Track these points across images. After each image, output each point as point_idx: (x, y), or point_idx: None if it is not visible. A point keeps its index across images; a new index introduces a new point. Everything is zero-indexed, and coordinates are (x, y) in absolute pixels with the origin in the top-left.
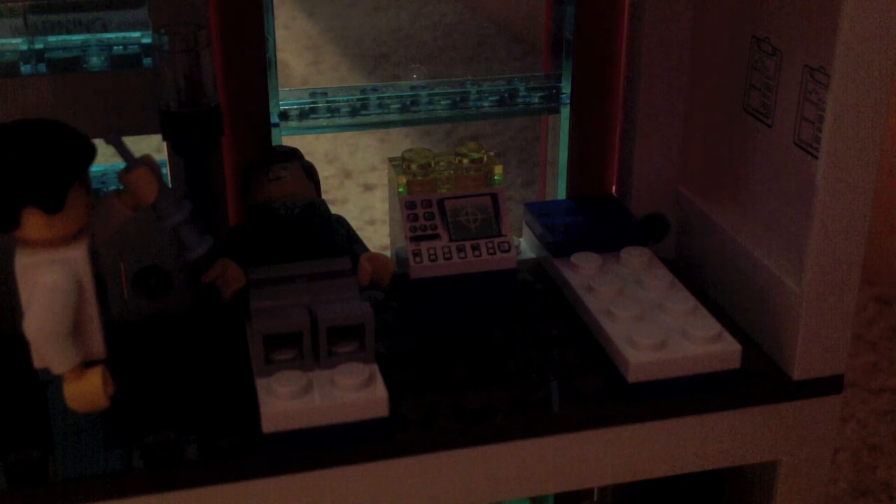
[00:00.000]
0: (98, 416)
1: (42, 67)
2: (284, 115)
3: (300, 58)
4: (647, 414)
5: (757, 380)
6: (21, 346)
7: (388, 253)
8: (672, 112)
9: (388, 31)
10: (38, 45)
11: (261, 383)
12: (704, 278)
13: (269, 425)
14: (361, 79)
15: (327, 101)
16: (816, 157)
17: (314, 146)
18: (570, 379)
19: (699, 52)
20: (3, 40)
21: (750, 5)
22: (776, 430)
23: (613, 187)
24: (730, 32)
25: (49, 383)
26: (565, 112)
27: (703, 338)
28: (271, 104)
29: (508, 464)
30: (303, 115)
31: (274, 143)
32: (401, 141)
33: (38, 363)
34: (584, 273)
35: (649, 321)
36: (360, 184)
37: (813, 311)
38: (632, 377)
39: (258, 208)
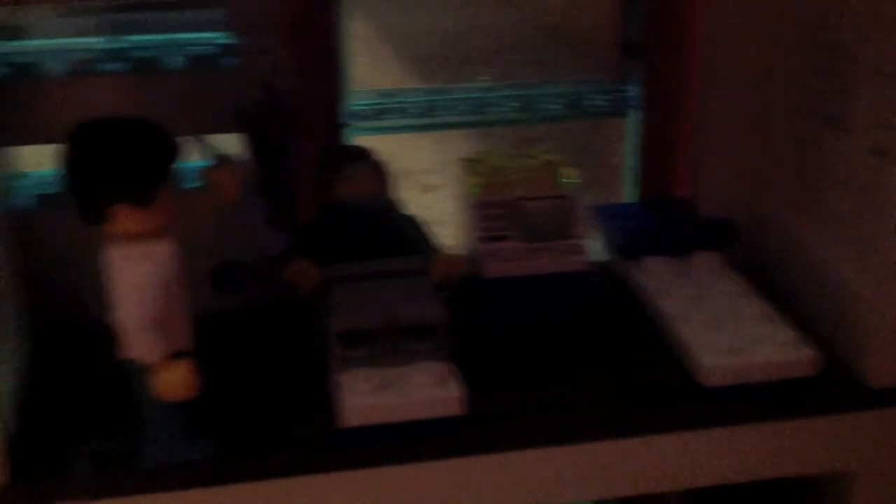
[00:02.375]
0: (182, 406)
1: (123, 66)
2: (355, 116)
3: (356, 59)
4: (721, 418)
5: (832, 387)
6: (108, 335)
7: (458, 253)
8: (745, 117)
9: (444, 33)
10: (119, 45)
11: (337, 379)
12: (777, 284)
13: (345, 420)
14: (416, 80)
15: (397, 103)
16: (894, 165)
17: (374, 147)
18: (642, 382)
19: (774, 56)
20: (86, 39)
21: (826, 11)
22: (852, 439)
23: (684, 191)
24: (805, 37)
25: (135, 372)
26: (634, 115)
27: (778, 344)
28: (343, 105)
29: (580, 465)
30: (373, 115)
31: (345, 143)
32: (460, 142)
33: (127, 353)
34: (655, 277)
35: (724, 326)
36: (418, 185)
37: (890, 319)
38: (707, 381)
39: (331, 206)
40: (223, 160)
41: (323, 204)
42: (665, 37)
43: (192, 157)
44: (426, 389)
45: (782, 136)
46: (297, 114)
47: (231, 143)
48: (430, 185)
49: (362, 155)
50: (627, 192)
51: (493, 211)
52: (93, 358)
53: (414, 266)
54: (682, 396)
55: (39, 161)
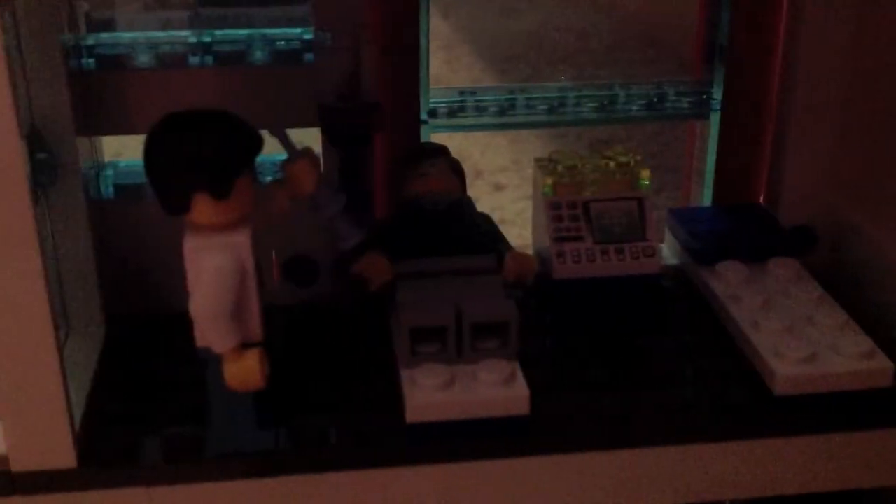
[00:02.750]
0: (252, 396)
1: (209, 60)
2: (433, 113)
3: (434, 56)
4: (792, 428)
5: None
6: (179, 324)
7: (529, 252)
8: (828, 120)
9: (521, 32)
10: (206, 39)
11: (405, 374)
12: (856, 293)
13: (412, 415)
14: (495, 79)
15: (475, 101)
16: None
17: (447, 144)
18: (712, 388)
19: (860, 58)
20: (174, 32)
21: None
22: None
23: (761, 196)
24: (891, 41)
25: (208, 362)
26: (715, 118)
27: (854, 354)
28: (422, 102)
29: (646, 470)
30: (451, 113)
31: (422, 140)
32: (532, 141)
33: (200, 342)
34: (729, 282)
35: (798, 334)
36: (490, 183)
37: None
38: (779, 390)
39: (406, 203)
40: (301, 153)
41: (398, 200)
42: (749, 40)
43: (271, 150)
44: (493, 388)
45: (867, 139)
46: (378, 110)
47: (312, 138)
48: (504, 184)
49: (439, 152)
50: (704, 196)
51: (565, 211)
52: (164, 346)
53: (486, 264)
54: (752, 404)
55: (119, 151)
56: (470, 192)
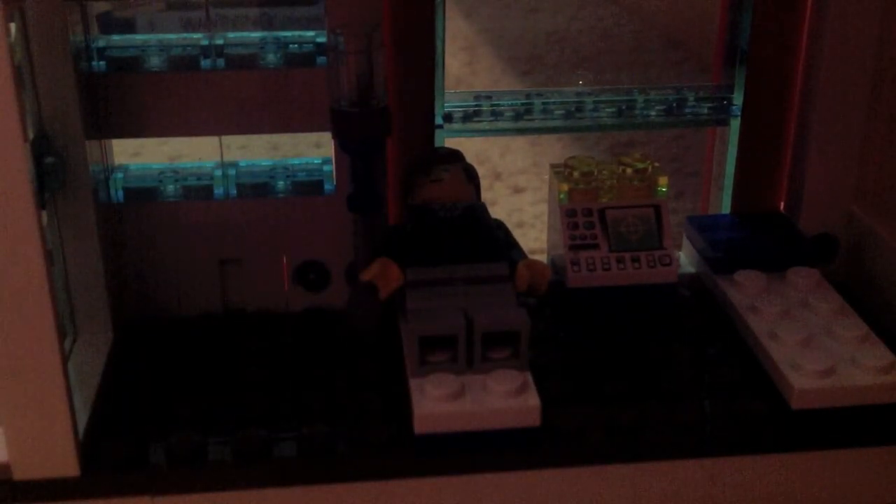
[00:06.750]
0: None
1: (221, 63)
2: (448, 118)
3: (455, 58)
4: (810, 443)
5: None
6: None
7: (543, 258)
8: (850, 126)
9: (544, 33)
10: (219, 41)
11: (414, 384)
12: (877, 304)
13: (421, 426)
14: (516, 81)
15: (491, 105)
16: None
17: (466, 146)
18: (728, 400)
19: (884, 64)
20: (185, 35)
21: None
22: None
23: (781, 204)
24: None
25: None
26: (735, 124)
27: (874, 367)
28: (437, 106)
29: (659, 484)
30: (466, 117)
31: (437, 145)
32: (552, 144)
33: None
34: (747, 292)
35: (817, 346)
36: (509, 186)
37: None
38: (796, 403)
39: (418, 209)
40: None
41: (410, 205)
42: (770, 42)
43: (286, 154)
44: (504, 399)
45: (887, 148)
46: (391, 114)
47: (324, 142)
48: (523, 187)
49: (452, 157)
50: (724, 202)
51: (580, 219)
52: (172, 352)
53: (498, 272)
54: (769, 418)
55: (137, 151)
56: (489, 194)
